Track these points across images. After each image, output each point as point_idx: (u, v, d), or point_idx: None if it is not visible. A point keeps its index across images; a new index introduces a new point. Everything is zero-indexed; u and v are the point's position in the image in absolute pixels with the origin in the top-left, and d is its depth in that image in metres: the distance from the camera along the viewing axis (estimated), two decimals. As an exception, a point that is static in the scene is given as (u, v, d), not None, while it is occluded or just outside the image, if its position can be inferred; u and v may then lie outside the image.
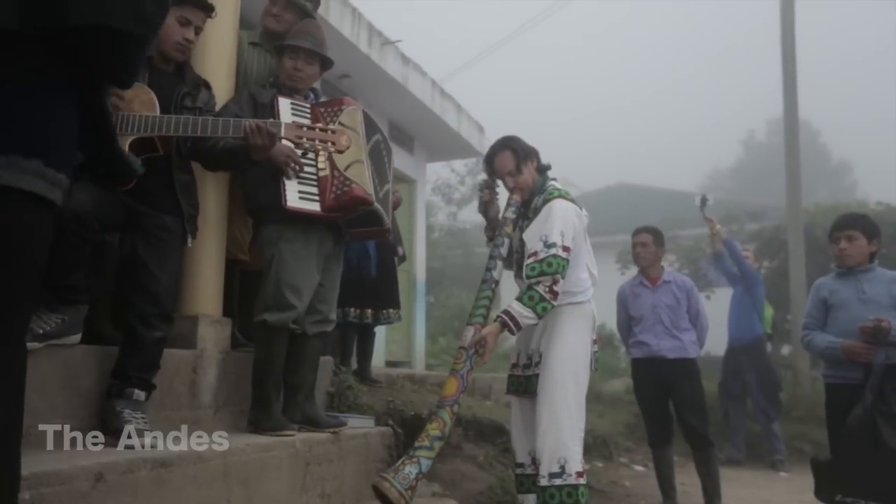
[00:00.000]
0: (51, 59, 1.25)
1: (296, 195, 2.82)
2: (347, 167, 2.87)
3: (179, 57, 2.72)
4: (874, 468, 3.16)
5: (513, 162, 3.09)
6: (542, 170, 3.17)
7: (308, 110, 3.01)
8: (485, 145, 8.69)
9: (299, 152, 2.81)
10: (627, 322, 4.41)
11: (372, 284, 4.43)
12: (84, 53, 1.28)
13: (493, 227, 3.23)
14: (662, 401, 4.24)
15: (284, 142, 2.75)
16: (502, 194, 3.25)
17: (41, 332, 2.24)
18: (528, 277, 2.83)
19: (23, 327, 1.31)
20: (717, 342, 6.51)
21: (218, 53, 3.14)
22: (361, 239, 3.59)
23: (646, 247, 4.32)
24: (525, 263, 2.87)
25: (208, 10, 2.75)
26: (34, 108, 1.24)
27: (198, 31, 2.74)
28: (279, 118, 2.84)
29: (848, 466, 3.26)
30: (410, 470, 2.62)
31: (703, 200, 6.00)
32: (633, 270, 4.69)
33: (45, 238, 1.31)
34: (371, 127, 3.15)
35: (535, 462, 2.93)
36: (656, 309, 4.23)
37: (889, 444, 3.13)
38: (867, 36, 48.16)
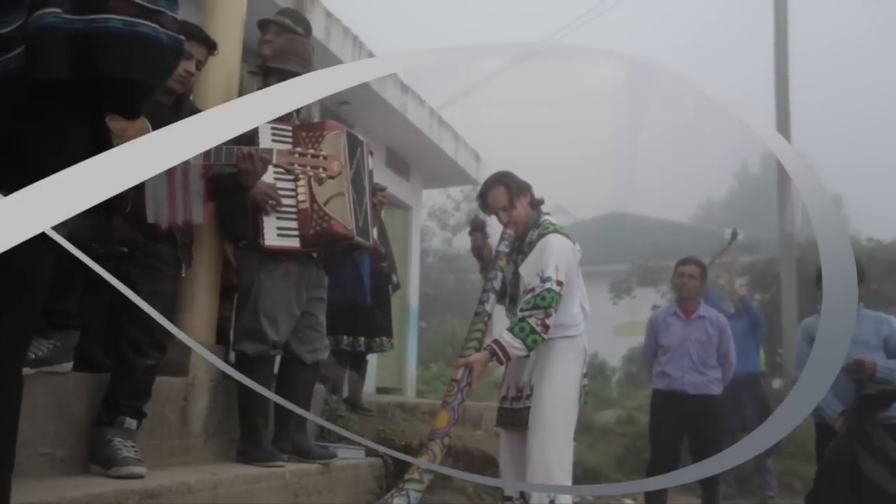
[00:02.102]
0: (64, 103, 1.31)
1: (274, 233, 2.83)
2: (328, 201, 2.87)
3: (179, 88, 2.74)
4: (857, 500, 3.17)
5: (506, 197, 3.12)
6: (536, 204, 3.20)
7: (289, 133, 2.97)
8: (481, 173, 8.74)
9: (289, 178, 2.81)
10: (654, 350, 4.30)
11: (365, 312, 4.43)
12: (101, 95, 1.36)
13: (487, 268, 3.25)
14: (677, 436, 4.13)
15: (271, 170, 2.75)
16: (494, 229, 3.26)
17: (33, 357, 2.23)
18: (522, 311, 2.85)
19: (22, 357, 1.33)
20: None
21: (219, 86, 3.17)
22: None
23: (693, 278, 4.20)
24: (522, 300, 2.90)
25: (210, 47, 2.80)
26: (46, 145, 1.30)
27: (199, 65, 2.78)
28: (258, 143, 2.81)
29: (828, 498, 3.26)
30: (399, 503, 2.61)
31: (734, 235, 5.75)
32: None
33: (48, 270, 1.34)
34: (352, 144, 3.09)
35: (523, 496, 2.92)
36: (685, 342, 4.13)
37: (869, 476, 3.13)
38: (867, 74, 48.70)
